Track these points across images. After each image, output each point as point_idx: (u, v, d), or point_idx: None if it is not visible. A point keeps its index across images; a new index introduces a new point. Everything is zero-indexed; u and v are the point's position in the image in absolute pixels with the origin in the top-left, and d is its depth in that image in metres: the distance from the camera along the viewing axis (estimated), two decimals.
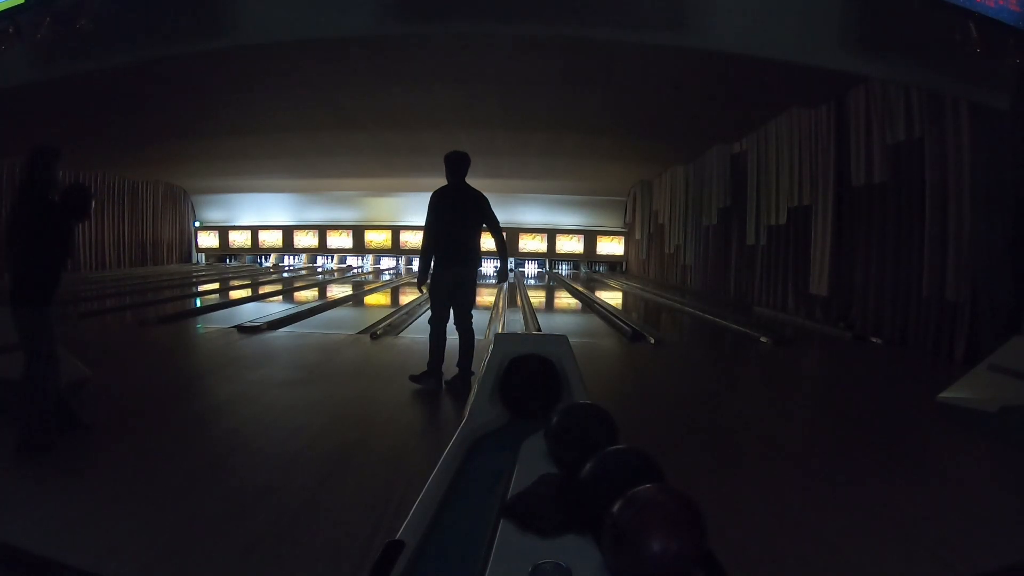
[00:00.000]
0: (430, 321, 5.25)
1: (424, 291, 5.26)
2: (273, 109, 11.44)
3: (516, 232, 22.95)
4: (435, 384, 5.13)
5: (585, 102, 10.45)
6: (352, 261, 23.74)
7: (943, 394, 4.65)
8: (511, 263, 23.22)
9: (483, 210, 5.22)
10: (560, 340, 2.90)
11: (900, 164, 7.67)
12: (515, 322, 9.53)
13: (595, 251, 23.07)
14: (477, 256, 5.24)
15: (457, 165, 5.23)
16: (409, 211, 22.02)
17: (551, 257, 23.09)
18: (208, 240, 23.94)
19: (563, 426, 2.01)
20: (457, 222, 5.16)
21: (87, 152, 15.14)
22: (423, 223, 5.27)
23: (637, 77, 8.80)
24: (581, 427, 1.97)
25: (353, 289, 14.89)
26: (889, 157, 7.87)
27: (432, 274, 5.17)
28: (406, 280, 17.96)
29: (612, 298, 14.32)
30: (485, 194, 5.25)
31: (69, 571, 1.44)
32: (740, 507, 2.94)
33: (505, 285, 16.82)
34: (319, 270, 21.96)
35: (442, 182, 5.22)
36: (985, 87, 6.03)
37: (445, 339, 5.20)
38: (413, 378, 5.14)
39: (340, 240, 23.33)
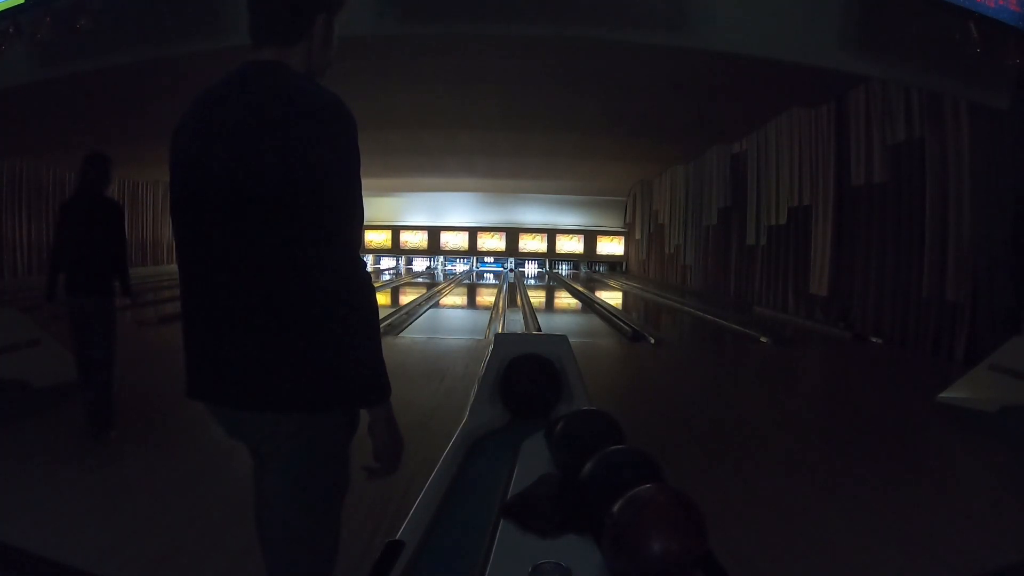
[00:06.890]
0: None
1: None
2: None
3: (516, 232, 22.95)
4: None
5: (585, 102, 10.44)
6: None
7: (943, 394, 4.65)
8: (503, 266, 23.18)
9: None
10: (560, 340, 2.90)
11: (900, 164, 7.67)
12: (515, 322, 9.53)
13: (595, 251, 23.07)
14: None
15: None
16: (409, 211, 22.00)
17: (551, 257, 23.08)
18: None
19: (570, 435, 1.94)
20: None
21: (87, 152, 15.13)
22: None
23: (637, 77, 8.79)
24: (592, 438, 1.82)
25: None
26: (889, 157, 7.87)
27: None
28: (405, 280, 17.95)
29: (612, 298, 14.32)
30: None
31: (69, 571, 1.43)
32: (740, 507, 2.94)
33: (506, 286, 16.78)
34: None
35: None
36: (985, 87, 6.02)
37: None
38: None
39: None
